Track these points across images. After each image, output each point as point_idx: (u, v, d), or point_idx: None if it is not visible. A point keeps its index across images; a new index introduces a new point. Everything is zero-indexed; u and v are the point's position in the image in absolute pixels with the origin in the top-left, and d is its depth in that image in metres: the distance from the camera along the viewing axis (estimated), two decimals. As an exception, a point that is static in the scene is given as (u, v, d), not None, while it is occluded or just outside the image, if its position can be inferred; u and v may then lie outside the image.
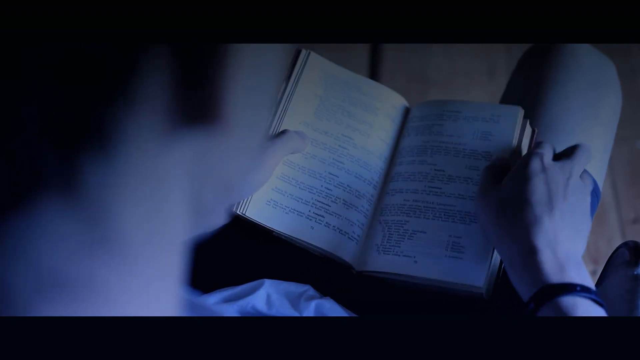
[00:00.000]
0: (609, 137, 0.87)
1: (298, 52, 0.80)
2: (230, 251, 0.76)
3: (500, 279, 0.70)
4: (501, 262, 0.70)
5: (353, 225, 0.75)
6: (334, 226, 0.74)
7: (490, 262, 0.69)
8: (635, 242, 0.72)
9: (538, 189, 0.63)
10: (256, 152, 0.32)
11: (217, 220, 0.34)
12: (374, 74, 1.71)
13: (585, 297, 0.56)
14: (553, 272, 0.58)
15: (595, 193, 0.82)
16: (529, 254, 0.59)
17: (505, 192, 0.65)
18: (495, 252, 0.69)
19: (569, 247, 0.60)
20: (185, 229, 0.30)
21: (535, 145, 0.71)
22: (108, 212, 0.26)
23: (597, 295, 0.57)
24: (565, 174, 0.65)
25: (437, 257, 0.70)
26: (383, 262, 0.72)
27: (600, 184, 0.84)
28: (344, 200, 0.76)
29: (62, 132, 0.24)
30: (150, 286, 0.28)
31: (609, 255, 0.74)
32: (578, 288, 0.56)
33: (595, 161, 0.83)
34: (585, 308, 0.56)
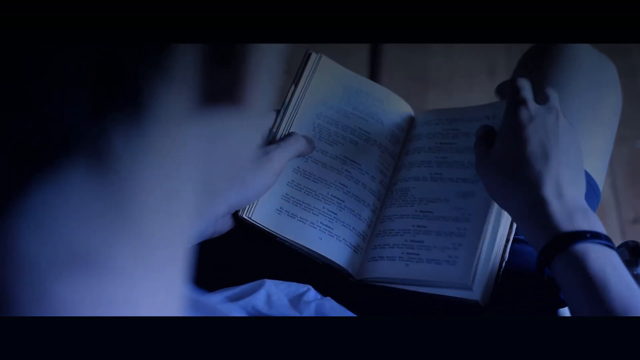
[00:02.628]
0: (609, 137, 0.87)
1: (308, 55, 0.79)
2: (231, 251, 0.76)
3: (498, 286, 0.70)
4: (498, 272, 0.70)
5: (359, 236, 0.75)
6: (338, 236, 0.73)
7: (477, 262, 0.69)
8: (635, 242, 0.72)
9: (531, 140, 0.63)
10: (263, 143, 0.33)
11: (221, 209, 0.35)
12: (374, 74, 1.71)
13: (595, 242, 0.57)
14: (562, 222, 0.59)
15: (595, 193, 0.82)
16: (536, 207, 0.60)
17: (500, 153, 0.65)
18: (484, 253, 0.69)
19: (574, 193, 0.61)
20: (193, 213, 0.30)
21: (514, 91, 0.68)
22: (130, 188, 0.26)
23: (607, 239, 0.58)
24: (552, 115, 0.65)
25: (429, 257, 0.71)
26: (378, 269, 0.73)
27: (601, 184, 0.84)
28: (351, 209, 0.75)
29: (98, 97, 0.24)
30: (159, 266, 0.28)
31: (609, 255, 0.74)
32: (588, 235, 0.58)
33: (596, 161, 0.83)
34: (596, 253, 0.57)
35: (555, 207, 0.59)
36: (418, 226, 0.73)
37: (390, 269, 0.72)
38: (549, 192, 0.60)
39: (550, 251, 0.58)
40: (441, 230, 0.72)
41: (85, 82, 0.24)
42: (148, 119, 0.25)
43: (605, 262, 0.57)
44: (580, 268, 0.57)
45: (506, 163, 0.64)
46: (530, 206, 0.61)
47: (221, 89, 0.27)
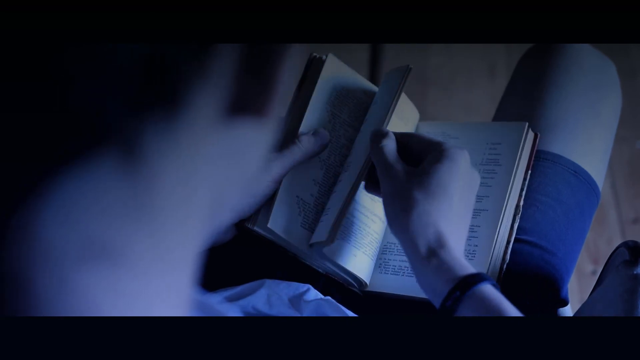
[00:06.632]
0: (609, 137, 0.87)
1: (312, 59, 0.76)
2: (231, 251, 0.76)
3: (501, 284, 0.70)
4: (500, 273, 0.70)
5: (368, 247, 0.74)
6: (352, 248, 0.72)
7: (490, 263, 0.69)
8: (635, 242, 0.72)
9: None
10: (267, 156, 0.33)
11: (226, 217, 0.35)
12: (374, 74, 1.71)
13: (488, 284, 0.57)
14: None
15: (595, 193, 0.82)
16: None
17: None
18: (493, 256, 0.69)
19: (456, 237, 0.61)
20: (206, 218, 0.30)
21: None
22: (154, 186, 0.26)
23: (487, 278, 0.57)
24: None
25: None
26: (385, 283, 0.72)
27: (600, 184, 0.84)
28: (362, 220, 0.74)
29: (137, 94, 0.24)
30: (172, 266, 0.28)
31: (609, 255, 0.74)
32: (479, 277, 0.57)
33: (596, 161, 0.83)
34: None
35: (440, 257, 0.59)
36: None
37: (396, 283, 0.72)
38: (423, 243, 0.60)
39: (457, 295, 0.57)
40: None
41: (126, 79, 0.24)
42: (181, 119, 0.25)
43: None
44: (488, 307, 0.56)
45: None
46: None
47: (250, 100, 0.27)
